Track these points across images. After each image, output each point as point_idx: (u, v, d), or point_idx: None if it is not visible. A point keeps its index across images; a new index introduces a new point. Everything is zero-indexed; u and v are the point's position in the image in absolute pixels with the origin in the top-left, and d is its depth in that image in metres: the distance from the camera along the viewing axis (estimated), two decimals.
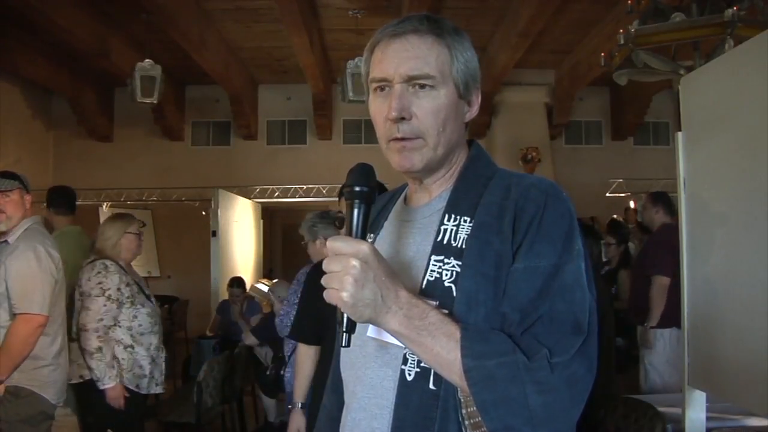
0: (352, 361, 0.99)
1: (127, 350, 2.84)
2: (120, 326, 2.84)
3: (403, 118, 0.90)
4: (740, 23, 2.96)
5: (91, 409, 2.92)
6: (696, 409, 2.02)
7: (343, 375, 1.03)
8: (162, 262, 8.92)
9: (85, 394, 2.88)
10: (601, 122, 9.23)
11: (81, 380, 2.82)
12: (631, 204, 7.58)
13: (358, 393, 0.96)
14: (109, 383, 2.73)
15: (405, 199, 1.05)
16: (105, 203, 7.91)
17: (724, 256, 1.87)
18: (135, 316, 2.87)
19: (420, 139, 0.92)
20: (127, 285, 2.88)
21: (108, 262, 2.85)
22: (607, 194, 7.70)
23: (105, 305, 2.77)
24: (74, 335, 2.85)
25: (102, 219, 8.16)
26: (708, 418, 2.05)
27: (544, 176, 0.97)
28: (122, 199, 8.11)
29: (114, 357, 2.80)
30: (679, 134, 2.09)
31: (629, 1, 3.69)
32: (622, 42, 3.44)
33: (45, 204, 3.61)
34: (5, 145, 7.52)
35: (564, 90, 8.35)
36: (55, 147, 8.92)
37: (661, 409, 2.31)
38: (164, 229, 8.92)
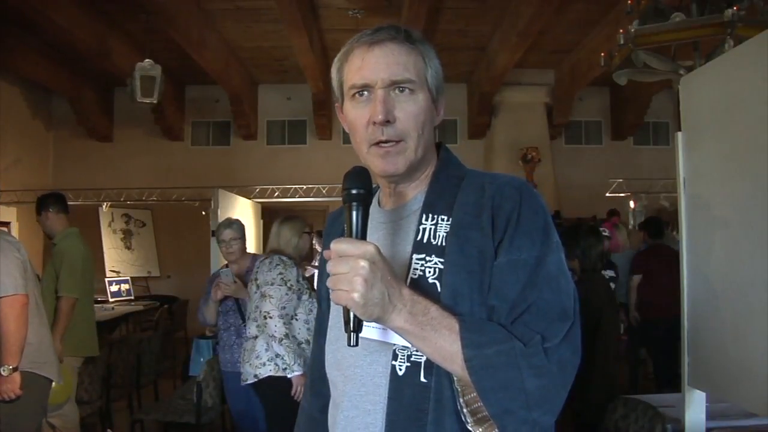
0: (338, 361, 1.01)
1: (300, 346, 2.87)
2: (297, 319, 2.91)
3: (388, 121, 0.93)
4: (740, 23, 2.95)
5: (266, 407, 2.93)
6: (696, 409, 2.02)
7: (330, 375, 1.05)
8: (162, 262, 8.92)
9: (261, 394, 2.91)
10: (601, 122, 9.23)
11: (255, 380, 2.83)
12: (631, 204, 7.57)
13: (348, 391, 0.97)
14: (297, 371, 2.77)
15: (378, 202, 1.08)
16: (105, 203, 7.90)
17: (724, 256, 1.87)
18: (311, 310, 2.94)
19: (402, 142, 0.95)
20: (304, 279, 2.99)
21: (285, 258, 2.96)
22: (607, 194, 7.69)
23: (287, 294, 2.85)
24: (246, 335, 2.91)
25: (102, 219, 8.19)
26: (708, 418, 2.05)
27: (514, 176, 1.00)
28: (122, 199, 8.10)
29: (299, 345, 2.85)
30: (679, 134, 2.09)
31: (629, 1, 3.68)
32: (622, 42, 3.43)
33: (37, 209, 3.60)
34: (5, 145, 7.52)
35: (564, 90, 8.34)
36: (55, 147, 8.92)
37: (661, 409, 2.31)
38: (164, 229, 8.93)
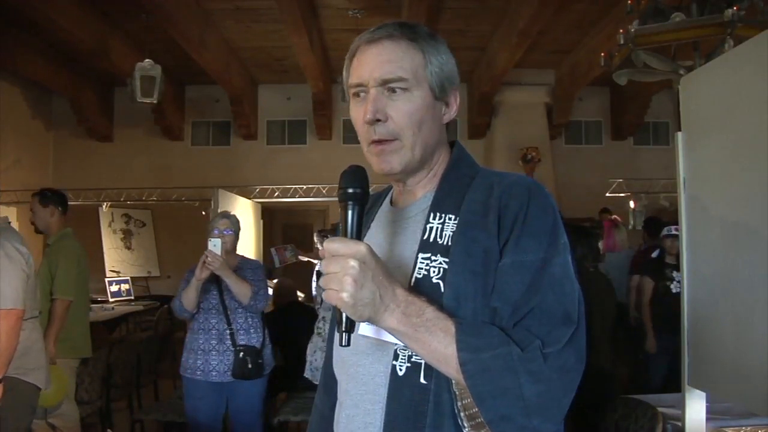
0: (343, 359, 1.01)
1: None
2: None
3: (378, 120, 0.93)
4: (740, 23, 2.96)
5: None
6: (696, 409, 2.02)
7: (336, 373, 1.06)
8: (162, 262, 8.92)
9: None
10: (601, 122, 9.23)
11: None
12: (631, 204, 7.57)
13: (350, 390, 0.98)
14: None
15: (391, 200, 1.08)
16: (105, 203, 7.90)
17: (724, 256, 1.86)
18: None
19: (396, 140, 0.94)
20: None
21: None
22: (607, 194, 7.68)
23: None
24: (318, 330, 2.94)
25: (102, 219, 8.18)
26: (708, 418, 2.05)
27: (524, 175, 1.00)
28: (122, 199, 8.10)
29: None
30: (679, 134, 2.09)
31: (629, 1, 3.68)
32: (622, 42, 3.44)
33: (43, 201, 3.59)
34: (5, 145, 7.51)
35: (564, 90, 8.34)
36: (55, 147, 8.92)
37: (661, 409, 2.31)
38: (164, 229, 8.92)
